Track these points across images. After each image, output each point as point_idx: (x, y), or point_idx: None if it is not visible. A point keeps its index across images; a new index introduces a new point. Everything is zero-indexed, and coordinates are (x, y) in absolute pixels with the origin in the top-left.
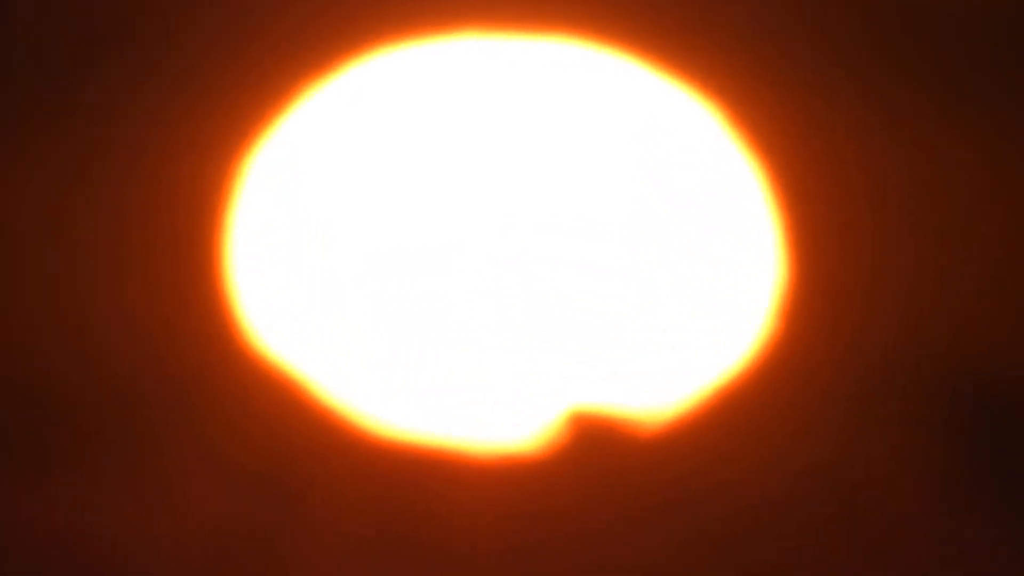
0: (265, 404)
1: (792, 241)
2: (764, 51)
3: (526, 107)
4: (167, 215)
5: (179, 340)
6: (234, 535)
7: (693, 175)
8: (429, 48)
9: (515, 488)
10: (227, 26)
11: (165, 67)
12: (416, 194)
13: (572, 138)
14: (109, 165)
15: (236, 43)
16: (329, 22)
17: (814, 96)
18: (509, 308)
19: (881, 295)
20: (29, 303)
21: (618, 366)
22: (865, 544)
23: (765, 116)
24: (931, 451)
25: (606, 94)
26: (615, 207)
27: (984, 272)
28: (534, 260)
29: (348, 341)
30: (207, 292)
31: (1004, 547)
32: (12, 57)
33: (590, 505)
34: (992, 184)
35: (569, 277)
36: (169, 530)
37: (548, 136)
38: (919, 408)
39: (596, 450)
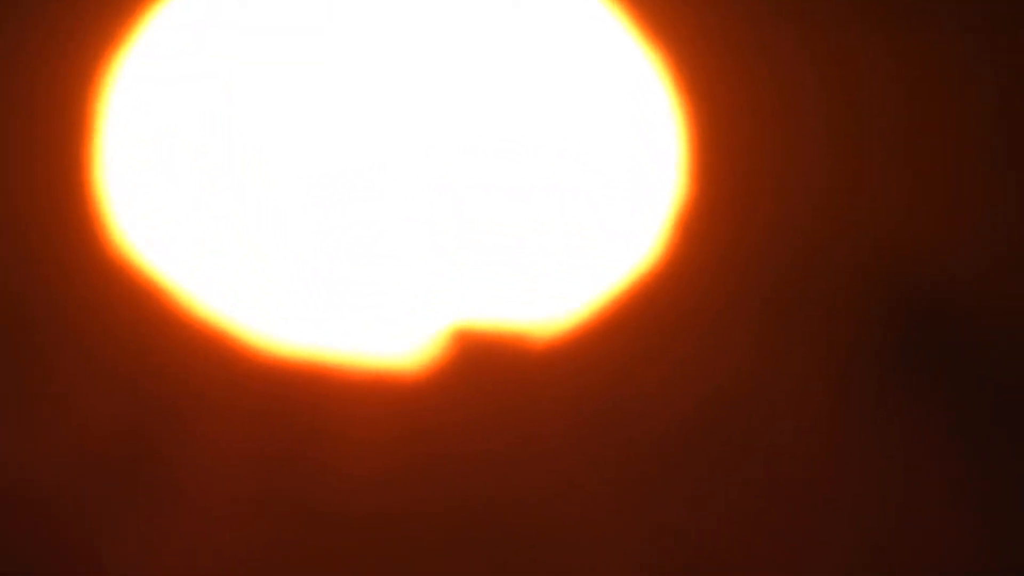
0: (142, 316)
1: (695, 144)
2: None
3: (425, 15)
4: (37, 117)
5: (55, 250)
6: (120, 446)
7: (595, 79)
8: None
9: (402, 404)
10: None
11: None
12: (305, 99)
13: (463, 41)
14: None
15: None
16: None
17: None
18: (399, 223)
19: (790, 201)
20: None
21: (512, 279)
22: (777, 461)
23: (672, 19)
24: (846, 363)
25: None
26: (509, 115)
27: (898, 175)
28: (425, 175)
29: (229, 253)
30: (80, 199)
31: (923, 460)
32: None
33: (478, 422)
34: (906, 85)
35: (468, 186)
36: (54, 443)
37: (442, 44)
38: (831, 318)
39: (485, 364)
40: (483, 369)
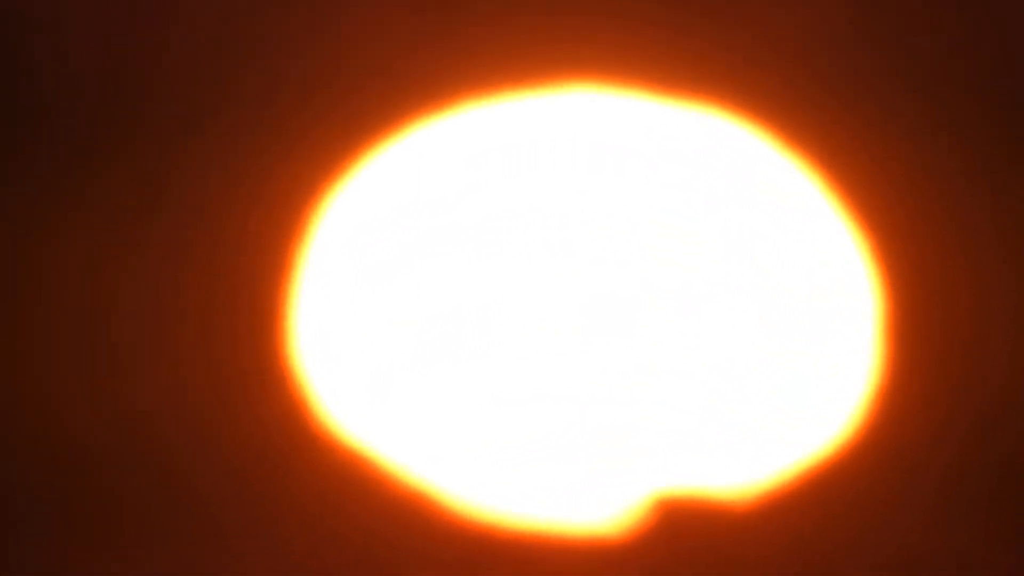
0: (338, 490)
1: (890, 318)
2: (870, 116)
3: (606, 169)
4: (226, 283)
5: (242, 424)
6: None
7: (793, 246)
8: (504, 107)
9: (604, 571)
10: (288, 78)
11: (218, 121)
12: (492, 259)
13: (671, 206)
14: (160, 227)
15: (299, 97)
16: (396, 80)
17: (915, 163)
18: (597, 384)
19: (976, 374)
20: (75, 383)
21: (709, 443)
22: None
23: (865, 184)
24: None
25: (707, 157)
26: (710, 278)
27: None
28: (622, 334)
29: (426, 418)
30: (271, 369)
31: None
32: (57, 110)
33: None
34: None
35: (661, 351)
36: None
37: (636, 202)
38: (1010, 492)
39: (683, 530)
40: (679, 536)
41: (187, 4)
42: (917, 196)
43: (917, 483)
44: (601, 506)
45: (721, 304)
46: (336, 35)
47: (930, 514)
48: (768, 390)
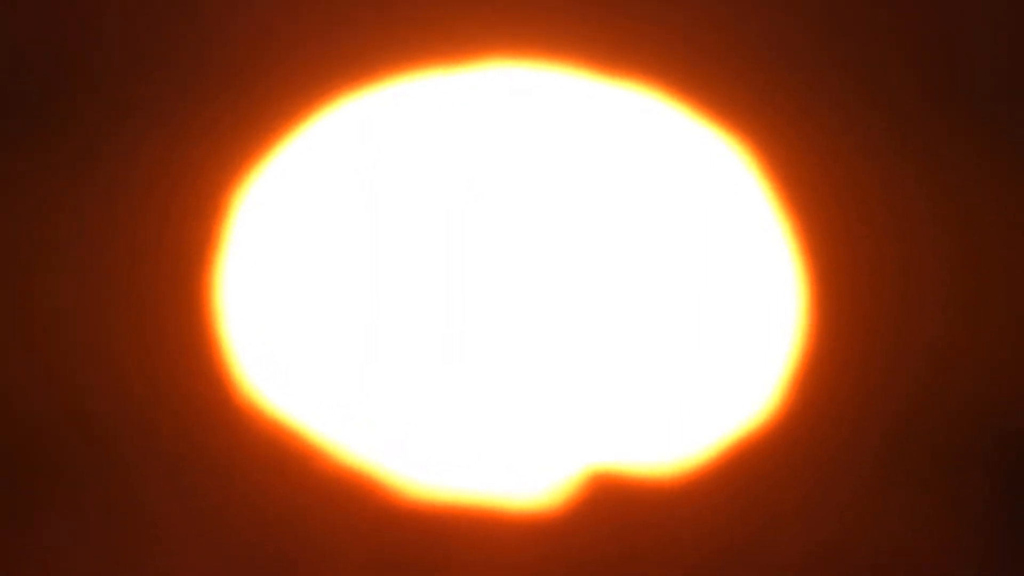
0: (266, 464)
1: (815, 294)
2: (800, 92)
3: (539, 144)
4: (153, 258)
5: (169, 394)
6: None
7: (717, 222)
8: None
9: (530, 543)
10: (218, 52)
11: (147, 101)
12: (418, 235)
13: (595, 185)
14: (90, 203)
15: (226, 72)
16: (326, 53)
17: (845, 139)
18: (523, 361)
19: (906, 349)
20: (8, 357)
21: (637, 420)
22: None
23: (793, 160)
24: (954, 516)
25: (634, 132)
26: (633, 257)
27: (1016, 324)
28: (549, 313)
29: (352, 393)
30: (198, 342)
31: None
32: None
33: (605, 561)
34: None
35: (590, 330)
36: None
37: (564, 177)
38: (941, 469)
39: (613, 505)
40: (609, 510)
41: None
42: (846, 172)
43: (843, 459)
44: (532, 481)
45: (647, 282)
46: (257, 16)
47: (857, 490)
48: (694, 367)
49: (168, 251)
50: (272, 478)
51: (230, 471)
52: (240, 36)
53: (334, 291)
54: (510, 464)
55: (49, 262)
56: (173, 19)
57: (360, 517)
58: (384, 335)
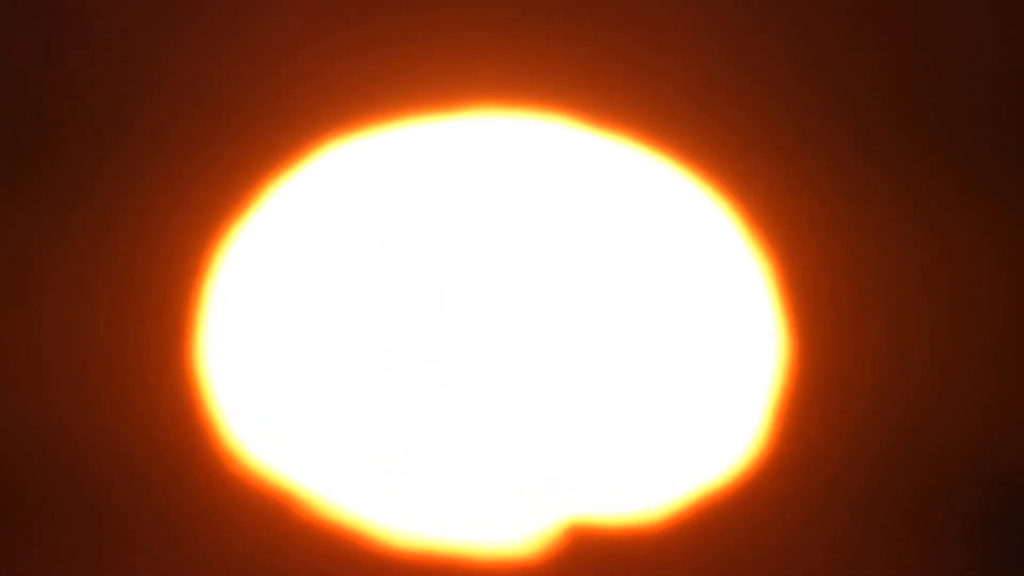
0: (250, 514)
1: (796, 335)
2: (781, 139)
3: (524, 191)
4: (134, 311)
5: (152, 444)
6: None
7: (696, 267)
8: (416, 131)
9: None
10: (193, 108)
11: (123, 156)
12: (401, 286)
13: (573, 235)
14: (71, 254)
15: (202, 127)
16: (300, 106)
17: (822, 181)
18: (504, 413)
19: (885, 397)
20: None
21: (616, 468)
22: None
23: (773, 203)
24: (936, 562)
25: (614, 184)
26: (611, 303)
27: (1000, 354)
28: (528, 363)
29: (335, 443)
30: (180, 394)
31: None
32: None
33: None
34: (1013, 279)
35: (568, 378)
36: None
37: (546, 226)
38: (923, 515)
39: (591, 555)
40: (588, 560)
41: (102, 23)
42: (829, 217)
43: (823, 506)
44: (512, 531)
45: (626, 331)
46: (242, 63)
47: (837, 536)
48: (673, 414)
49: (152, 297)
50: (256, 528)
51: (215, 521)
52: (224, 83)
53: (319, 338)
54: (490, 514)
55: (34, 298)
56: (154, 68)
57: (344, 567)
58: (368, 385)
